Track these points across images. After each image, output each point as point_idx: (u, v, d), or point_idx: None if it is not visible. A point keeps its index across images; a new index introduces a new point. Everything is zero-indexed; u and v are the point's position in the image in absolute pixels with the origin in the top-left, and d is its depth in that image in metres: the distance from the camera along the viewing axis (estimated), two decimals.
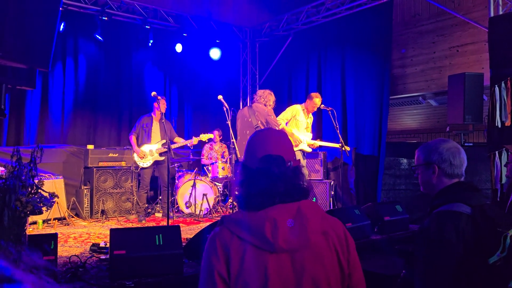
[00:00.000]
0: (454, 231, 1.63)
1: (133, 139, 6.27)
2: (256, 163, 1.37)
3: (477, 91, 5.60)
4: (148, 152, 6.23)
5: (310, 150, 6.06)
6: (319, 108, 6.19)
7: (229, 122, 5.36)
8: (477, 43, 6.97)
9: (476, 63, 6.97)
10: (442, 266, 1.62)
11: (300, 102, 6.28)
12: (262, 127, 5.25)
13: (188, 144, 6.43)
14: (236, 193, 1.40)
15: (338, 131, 5.78)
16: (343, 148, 5.79)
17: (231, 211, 6.39)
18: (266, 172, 1.34)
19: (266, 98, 5.55)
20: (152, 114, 6.32)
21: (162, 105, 6.02)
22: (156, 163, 6.29)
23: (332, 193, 6.48)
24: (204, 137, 6.41)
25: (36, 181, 3.22)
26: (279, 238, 1.24)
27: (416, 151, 1.95)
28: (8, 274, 0.55)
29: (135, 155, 6.26)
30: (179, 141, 6.44)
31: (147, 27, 7.52)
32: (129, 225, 5.87)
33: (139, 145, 6.27)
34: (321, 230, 1.30)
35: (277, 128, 5.26)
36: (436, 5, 6.59)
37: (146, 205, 6.47)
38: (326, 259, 1.28)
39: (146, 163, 6.22)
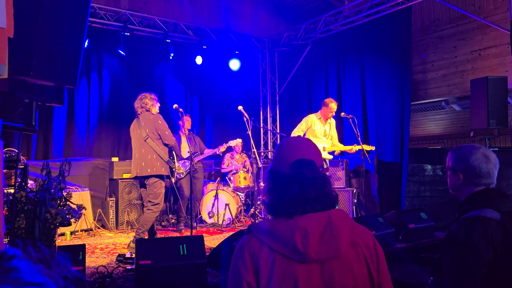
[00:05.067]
0: (483, 237, 1.60)
1: None
2: (288, 169, 1.34)
3: (501, 94, 5.49)
4: (181, 164, 6.47)
5: (331, 157, 6.03)
6: (339, 116, 6.15)
7: (249, 132, 5.41)
8: (499, 46, 6.83)
9: (499, 67, 6.83)
10: (470, 272, 1.60)
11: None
12: (153, 136, 4.62)
13: (217, 152, 6.75)
14: (265, 200, 1.37)
15: (359, 138, 5.73)
16: (367, 149, 5.71)
17: (253, 220, 6.41)
18: (298, 177, 1.31)
19: (145, 104, 4.78)
20: (180, 132, 6.59)
21: (186, 122, 6.40)
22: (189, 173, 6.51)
23: (355, 201, 6.42)
24: (232, 143, 6.73)
25: (64, 193, 3.34)
26: (309, 248, 1.22)
27: (449, 152, 1.93)
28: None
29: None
30: (209, 152, 6.74)
31: (167, 40, 7.67)
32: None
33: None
34: (350, 240, 1.28)
35: (168, 138, 4.71)
36: (456, 9, 6.52)
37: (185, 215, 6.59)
38: (355, 269, 1.26)
39: (180, 174, 6.44)
